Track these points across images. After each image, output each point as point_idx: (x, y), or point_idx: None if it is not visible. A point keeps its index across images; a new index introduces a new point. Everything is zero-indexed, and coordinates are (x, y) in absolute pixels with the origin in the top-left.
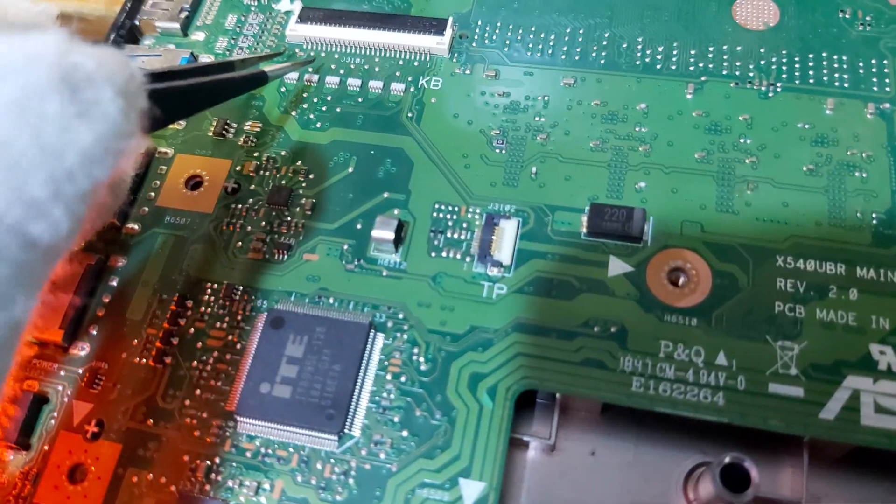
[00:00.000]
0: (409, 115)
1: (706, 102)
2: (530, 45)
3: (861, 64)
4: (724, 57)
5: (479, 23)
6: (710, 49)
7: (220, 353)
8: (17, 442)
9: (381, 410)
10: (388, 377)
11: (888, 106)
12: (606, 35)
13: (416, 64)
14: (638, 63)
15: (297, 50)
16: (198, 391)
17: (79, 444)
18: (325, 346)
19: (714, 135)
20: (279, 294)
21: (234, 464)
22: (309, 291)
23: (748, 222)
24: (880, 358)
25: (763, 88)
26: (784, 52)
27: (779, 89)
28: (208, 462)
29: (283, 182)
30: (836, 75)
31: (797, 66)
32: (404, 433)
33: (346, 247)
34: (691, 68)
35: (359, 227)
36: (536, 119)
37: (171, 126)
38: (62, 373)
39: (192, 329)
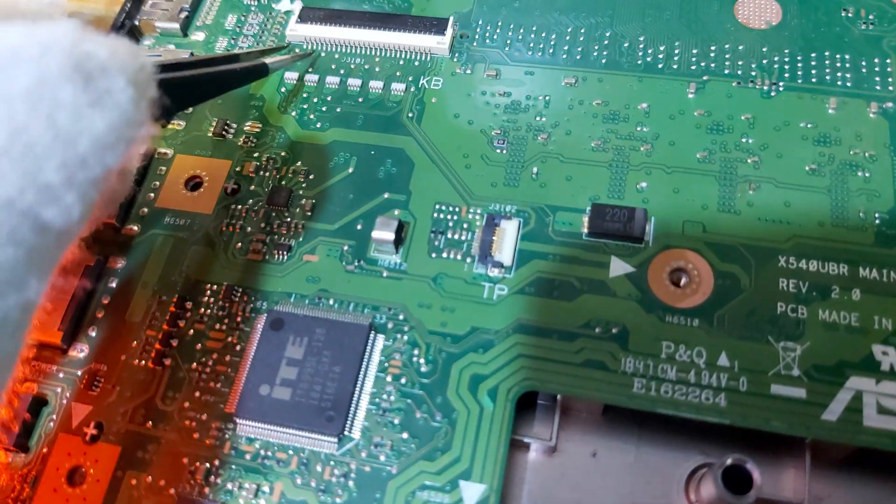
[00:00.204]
0: (410, 115)
1: (708, 102)
2: (531, 45)
3: (864, 63)
4: (726, 56)
5: (480, 22)
6: (712, 48)
7: (219, 354)
8: (16, 444)
9: (382, 412)
10: (389, 379)
11: (891, 105)
12: (608, 34)
13: (416, 64)
14: (639, 62)
15: (296, 50)
16: (197, 393)
17: (78, 447)
18: (325, 348)
19: (716, 134)
20: (279, 295)
21: (233, 466)
22: (309, 293)
23: (750, 222)
24: (883, 359)
25: (765, 88)
26: (786, 51)
27: (781, 88)
28: (207, 464)
29: (282, 183)
30: (839, 74)
31: (799, 65)
32: (404, 435)
33: (346, 248)
34: (693, 67)
35: (359, 227)
36: (537, 119)
37: (170, 126)
38: (61, 375)
39: (192, 331)
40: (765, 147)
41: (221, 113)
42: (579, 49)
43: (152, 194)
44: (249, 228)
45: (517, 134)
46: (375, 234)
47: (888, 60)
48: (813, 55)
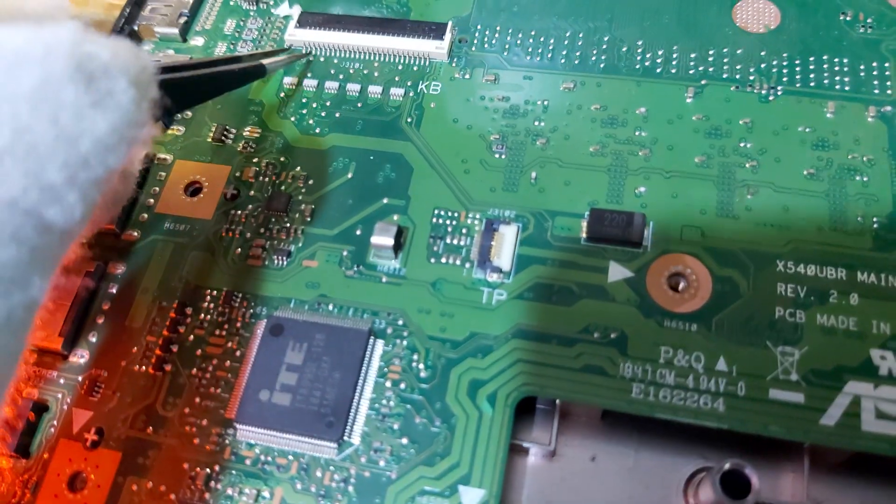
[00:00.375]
0: (409, 120)
1: (706, 106)
2: (530, 49)
3: (862, 66)
4: (725, 60)
5: (479, 27)
6: (711, 52)
7: (219, 360)
8: (17, 449)
9: (381, 418)
10: (388, 384)
11: (889, 109)
12: (606, 39)
13: (415, 69)
14: (638, 67)
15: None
16: (197, 399)
17: (78, 453)
18: (325, 354)
19: (714, 139)
20: (278, 301)
21: (233, 472)
22: (308, 298)
23: (749, 227)
24: (881, 363)
25: (763, 92)
26: (785, 54)
27: (779, 93)
28: (208, 470)
29: (282, 188)
30: (837, 78)
31: (798, 69)
32: (404, 440)
33: (345, 253)
34: (691, 72)
35: (358, 233)
36: (536, 123)
37: (169, 132)
38: (61, 380)
39: (192, 336)
40: (763, 151)
41: (221, 118)
42: (578, 53)
43: (152, 200)
44: (249, 234)
45: (516, 139)
46: (374, 239)
47: (886, 64)
48: (811, 59)
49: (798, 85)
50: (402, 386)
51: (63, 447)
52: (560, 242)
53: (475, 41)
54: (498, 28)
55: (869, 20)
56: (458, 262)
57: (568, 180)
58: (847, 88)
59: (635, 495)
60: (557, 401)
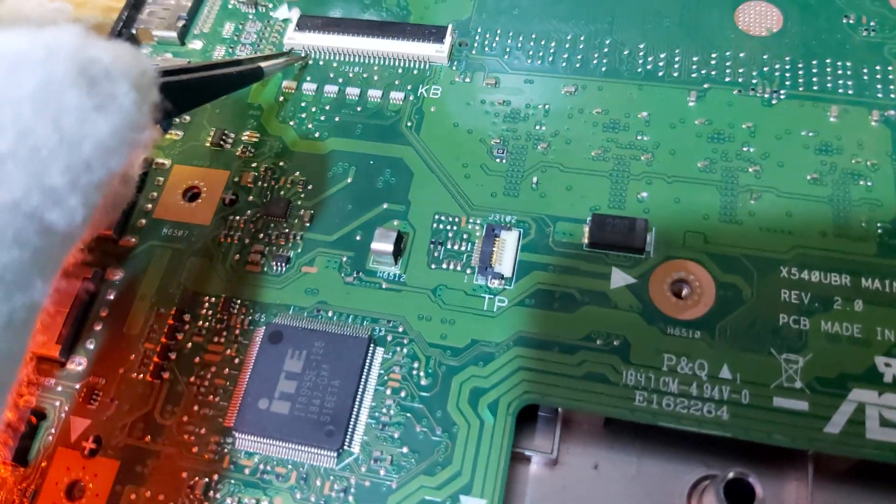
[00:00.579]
0: (409, 124)
1: (709, 110)
2: (530, 53)
3: (865, 70)
4: (727, 64)
5: (479, 30)
6: (713, 56)
7: (218, 368)
8: (15, 458)
9: (381, 426)
10: (388, 392)
11: (893, 113)
12: (608, 42)
13: (415, 72)
14: (639, 70)
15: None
16: (196, 407)
17: (77, 461)
18: (324, 361)
19: (717, 143)
20: (277, 308)
21: (232, 481)
22: (308, 305)
23: (752, 232)
24: (886, 370)
25: (766, 96)
26: (787, 58)
27: (782, 96)
28: (206, 479)
29: (281, 193)
30: (840, 82)
31: (801, 72)
32: (404, 449)
33: (345, 259)
34: (693, 75)
35: (358, 238)
36: (537, 128)
37: (168, 136)
38: (59, 388)
39: (190, 343)
40: (766, 156)
41: (219, 123)
42: (579, 57)
43: (150, 205)
44: (247, 240)
45: (517, 143)
46: (374, 245)
47: (890, 68)
48: (814, 62)
49: (801, 89)
50: (403, 394)
51: (61, 455)
52: (562, 248)
53: (475, 44)
54: (498, 31)
55: (872, 23)
56: (458, 268)
57: (569, 185)
58: (850, 92)
59: None
60: (559, 408)
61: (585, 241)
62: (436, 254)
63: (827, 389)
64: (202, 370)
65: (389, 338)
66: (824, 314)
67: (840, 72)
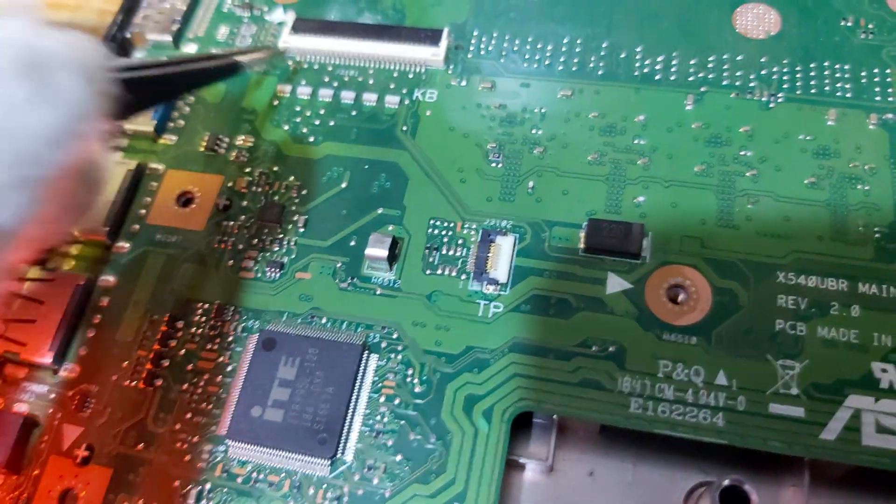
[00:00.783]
0: (404, 128)
1: (706, 114)
2: (527, 56)
3: (864, 73)
4: (725, 67)
5: (476, 33)
6: (711, 59)
7: (211, 375)
8: (8, 465)
9: (375, 434)
10: (382, 399)
11: (891, 116)
12: (605, 45)
13: (410, 76)
14: (637, 73)
15: (289, 61)
16: (189, 415)
17: (69, 469)
18: (318, 368)
19: (714, 147)
20: (271, 314)
21: (225, 489)
22: (301, 311)
23: (749, 237)
24: (882, 376)
25: (764, 99)
26: (785, 61)
27: (780, 100)
28: (199, 487)
29: (275, 198)
30: (839, 85)
31: (799, 75)
32: (398, 457)
33: (339, 265)
34: (691, 79)
35: (352, 244)
36: (533, 132)
37: (161, 141)
38: (52, 395)
39: (183, 350)
40: (764, 160)
41: (213, 127)
42: (576, 60)
43: (143, 210)
44: (241, 245)
45: (513, 147)
46: (369, 251)
47: (888, 70)
48: (812, 65)
49: (799, 92)
50: (397, 401)
51: (54, 463)
52: (557, 253)
53: (472, 48)
54: (495, 34)
55: (870, 26)
56: (454, 274)
57: (566, 189)
58: (848, 95)
59: None
60: (555, 415)
61: (581, 246)
62: (431, 259)
63: (823, 396)
64: (195, 377)
65: (384, 344)
66: (821, 319)
67: (838, 75)
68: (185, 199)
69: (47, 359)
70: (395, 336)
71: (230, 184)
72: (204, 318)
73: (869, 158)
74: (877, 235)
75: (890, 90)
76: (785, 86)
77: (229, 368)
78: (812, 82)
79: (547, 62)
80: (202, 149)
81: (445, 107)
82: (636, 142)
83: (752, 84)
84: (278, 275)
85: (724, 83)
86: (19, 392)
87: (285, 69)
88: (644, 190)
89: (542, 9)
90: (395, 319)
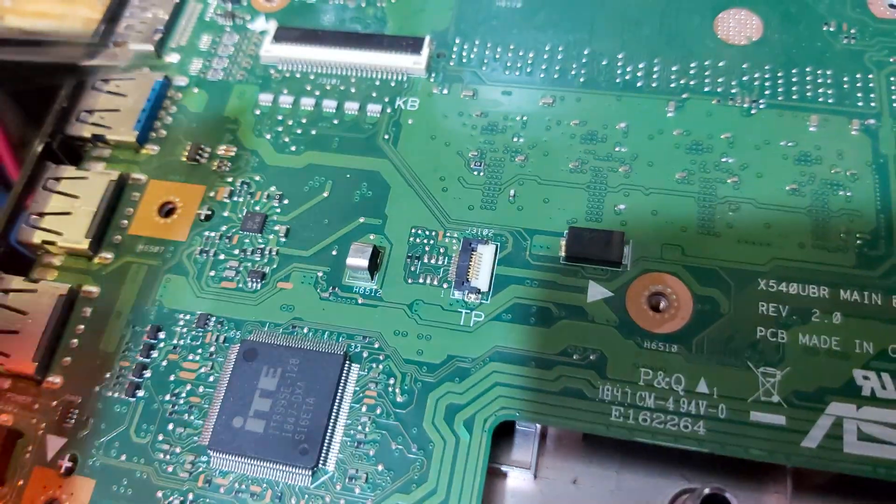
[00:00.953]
0: (386, 136)
1: (687, 121)
2: (508, 64)
3: (846, 79)
4: (707, 73)
5: (458, 41)
6: (692, 65)
7: (193, 385)
8: None
9: (356, 444)
10: (363, 409)
11: (873, 122)
12: (586, 52)
13: (392, 84)
14: (618, 81)
15: (271, 70)
16: (171, 425)
17: (53, 480)
18: (299, 379)
19: (695, 154)
20: (252, 324)
21: (207, 500)
22: (283, 321)
23: (730, 244)
24: (864, 383)
25: (746, 105)
26: (767, 66)
27: (762, 106)
28: (182, 498)
29: (257, 208)
30: (821, 90)
31: (780, 81)
32: (380, 467)
33: (320, 274)
34: (672, 85)
35: (334, 253)
36: (514, 140)
37: (144, 151)
38: (36, 406)
39: (166, 361)
40: (745, 167)
41: (195, 137)
42: (557, 67)
43: (126, 221)
44: (223, 255)
45: (494, 155)
46: (350, 261)
47: (870, 76)
48: (794, 71)
49: (781, 98)
50: (378, 411)
51: (38, 474)
52: (539, 262)
53: (453, 56)
54: (476, 42)
55: (852, 31)
56: (435, 283)
57: (547, 198)
58: (830, 101)
59: None
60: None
61: (562, 254)
62: (412, 268)
63: (805, 403)
64: (177, 388)
65: (365, 354)
66: (802, 327)
67: (820, 80)
68: (167, 210)
69: (31, 370)
70: (376, 346)
71: (212, 194)
72: (186, 329)
73: (851, 164)
74: (858, 242)
75: (872, 95)
76: (767, 92)
77: (211, 379)
78: (794, 88)
79: (528, 70)
80: (184, 159)
81: (427, 115)
82: (617, 149)
83: (733, 90)
84: (260, 285)
85: (706, 90)
86: (3, 403)
87: (266, 78)
88: (625, 198)
89: (523, 16)
90: (376, 329)
